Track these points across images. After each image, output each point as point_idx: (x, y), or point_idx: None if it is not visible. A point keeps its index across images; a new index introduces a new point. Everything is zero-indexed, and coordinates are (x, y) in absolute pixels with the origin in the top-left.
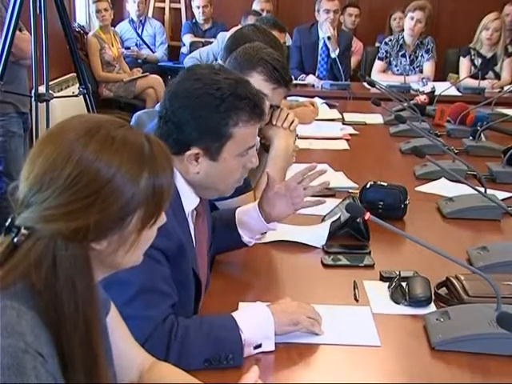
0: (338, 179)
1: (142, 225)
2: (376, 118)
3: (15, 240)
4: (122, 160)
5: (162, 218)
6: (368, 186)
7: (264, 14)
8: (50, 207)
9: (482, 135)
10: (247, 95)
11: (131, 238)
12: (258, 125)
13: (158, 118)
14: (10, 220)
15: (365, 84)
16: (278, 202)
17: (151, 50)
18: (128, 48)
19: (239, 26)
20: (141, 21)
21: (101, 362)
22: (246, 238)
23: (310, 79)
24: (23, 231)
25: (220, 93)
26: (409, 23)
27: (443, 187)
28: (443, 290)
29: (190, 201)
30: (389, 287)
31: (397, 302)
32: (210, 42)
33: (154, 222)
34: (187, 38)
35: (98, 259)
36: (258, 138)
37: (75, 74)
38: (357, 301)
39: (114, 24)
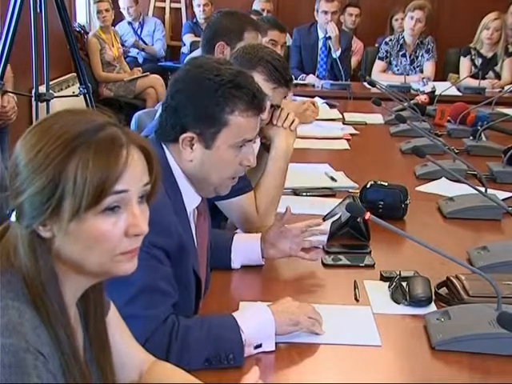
0: (338, 179)
1: (69, 214)
2: (376, 118)
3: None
4: (62, 131)
5: (132, 224)
6: (368, 185)
7: (264, 13)
8: (12, 183)
9: (482, 135)
10: (246, 85)
11: (63, 225)
12: (256, 117)
13: (161, 108)
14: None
15: (365, 84)
16: (279, 242)
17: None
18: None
19: None
20: (140, 22)
21: (73, 358)
22: (235, 265)
23: (311, 79)
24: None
25: (219, 78)
26: (409, 23)
27: (444, 187)
28: (443, 290)
29: (191, 200)
30: (389, 287)
31: (397, 302)
32: None
33: (78, 215)
34: (188, 38)
35: (55, 253)
36: (258, 138)
37: (75, 74)
38: (357, 301)
39: (113, 24)
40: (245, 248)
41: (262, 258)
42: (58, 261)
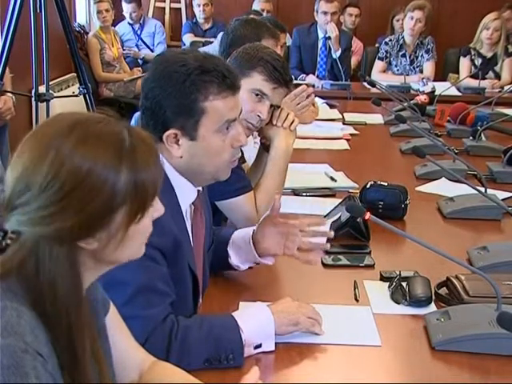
0: (338, 179)
1: (129, 220)
2: (376, 118)
3: (3, 243)
4: (96, 155)
5: (156, 209)
6: (368, 185)
7: (264, 13)
8: (31, 210)
9: (482, 135)
10: (214, 68)
11: (119, 234)
12: (232, 97)
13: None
14: None
15: (365, 84)
16: (272, 236)
17: (151, 50)
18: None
19: None
20: (140, 23)
21: (83, 365)
22: (234, 261)
23: (311, 79)
24: (10, 235)
25: (185, 68)
26: (408, 23)
27: (443, 187)
28: (443, 290)
29: (186, 196)
30: (389, 287)
31: (397, 302)
32: (211, 42)
33: (141, 216)
34: (187, 38)
35: (93, 258)
36: (258, 138)
37: (75, 74)
38: (357, 301)
39: (114, 24)
40: (241, 243)
41: (258, 254)
42: (88, 262)
